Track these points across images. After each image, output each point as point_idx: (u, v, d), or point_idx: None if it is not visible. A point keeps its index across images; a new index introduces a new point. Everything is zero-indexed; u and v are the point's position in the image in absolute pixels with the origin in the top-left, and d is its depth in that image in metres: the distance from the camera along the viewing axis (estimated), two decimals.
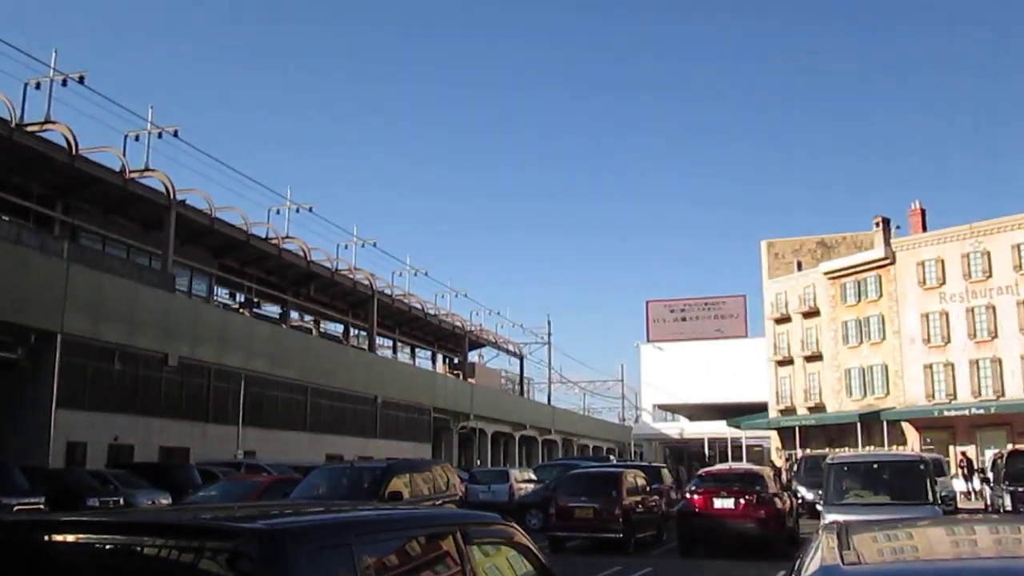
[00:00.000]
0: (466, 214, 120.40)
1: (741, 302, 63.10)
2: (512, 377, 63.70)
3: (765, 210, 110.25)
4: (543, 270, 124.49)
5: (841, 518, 7.87)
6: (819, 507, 13.07)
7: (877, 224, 42.90)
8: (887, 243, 41.70)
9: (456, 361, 52.17)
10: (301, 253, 35.51)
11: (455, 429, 44.55)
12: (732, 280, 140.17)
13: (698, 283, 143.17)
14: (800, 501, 19.43)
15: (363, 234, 49.30)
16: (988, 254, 37.37)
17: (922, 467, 12.45)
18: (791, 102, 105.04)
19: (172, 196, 27.22)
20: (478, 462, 45.35)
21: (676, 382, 60.91)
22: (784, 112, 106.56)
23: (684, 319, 62.76)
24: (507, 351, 59.28)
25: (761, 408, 50.54)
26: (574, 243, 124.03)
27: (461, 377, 48.92)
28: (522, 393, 61.53)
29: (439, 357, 52.53)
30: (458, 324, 50.24)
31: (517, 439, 53.63)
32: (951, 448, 36.55)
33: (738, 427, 51.86)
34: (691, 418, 65.44)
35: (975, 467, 30.50)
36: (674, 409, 67.42)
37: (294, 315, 39.40)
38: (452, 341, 52.05)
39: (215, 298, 33.23)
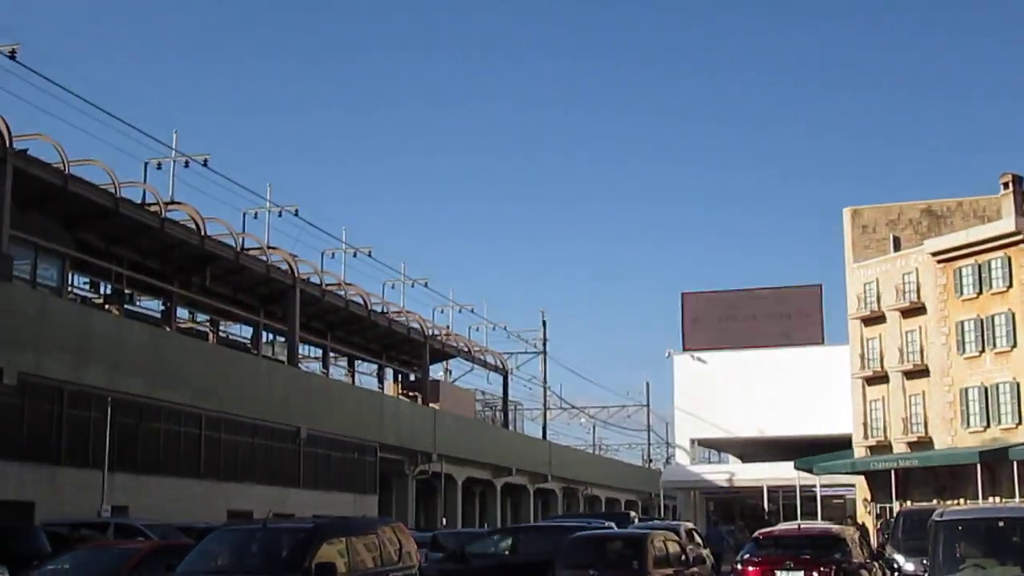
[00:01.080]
0: (429, 178, 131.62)
1: (815, 295, 63.36)
2: (492, 401, 63.62)
3: (845, 170, 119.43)
4: (537, 255, 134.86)
5: None
6: None
7: (1005, 185, 43.21)
8: (1020, 212, 41.82)
9: (413, 379, 52.72)
10: (193, 225, 34.98)
11: (411, 475, 44.71)
12: (799, 267, 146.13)
13: (752, 271, 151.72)
14: (897, 574, 19.49)
15: (281, 199, 48.63)
16: None
17: None
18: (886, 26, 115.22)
19: (7, 143, 26.62)
20: (443, 521, 45.58)
21: (723, 408, 61.02)
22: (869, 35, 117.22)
23: (734, 318, 62.59)
24: (485, 364, 59.73)
25: (842, 444, 50.77)
26: (576, 217, 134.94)
27: (420, 401, 49.43)
28: (506, 424, 61.77)
29: (389, 372, 52.70)
30: (415, 326, 50.43)
31: (499, 488, 54.40)
32: None
33: (810, 471, 51.88)
34: (744, 458, 65.52)
35: None
36: (720, 446, 67.20)
37: (183, 313, 38.99)
38: (407, 350, 52.10)
39: (70, 289, 32.73)
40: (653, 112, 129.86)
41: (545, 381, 63.49)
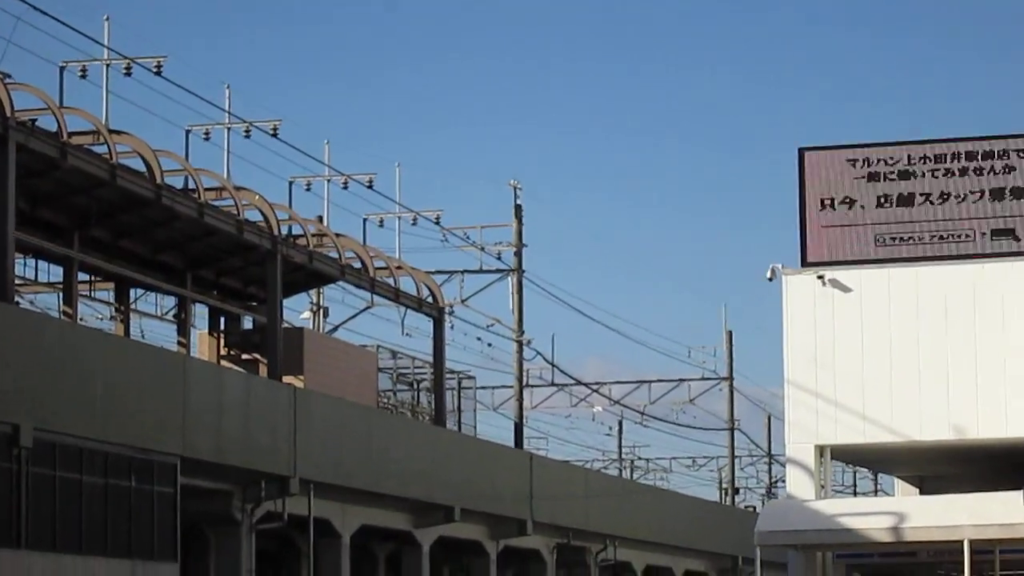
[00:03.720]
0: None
1: None
2: (413, 371, 63.54)
3: None
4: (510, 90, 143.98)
5: None
6: None
7: None
8: None
9: (252, 326, 51.87)
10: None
11: (248, 520, 42.96)
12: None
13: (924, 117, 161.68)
14: None
15: None
16: None
17: None
18: None
19: None
20: None
21: (882, 385, 52.56)
22: None
23: (905, 201, 53.57)
24: (398, 296, 57.20)
25: None
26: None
27: (264, 372, 47.85)
28: (439, 417, 59.82)
29: (196, 312, 50.80)
30: (255, 218, 47.69)
31: (426, 549, 52.11)
32: None
33: None
34: (924, 486, 61.38)
35: None
36: (875, 460, 64.27)
37: None
38: (240, 269, 50.09)
39: None
40: None
41: (520, 327, 59.23)
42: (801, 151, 53.79)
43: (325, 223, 54.40)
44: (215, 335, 50.51)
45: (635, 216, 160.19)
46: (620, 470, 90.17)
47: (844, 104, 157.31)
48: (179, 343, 49.47)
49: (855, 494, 74.31)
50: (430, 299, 57.47)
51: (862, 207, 53.95)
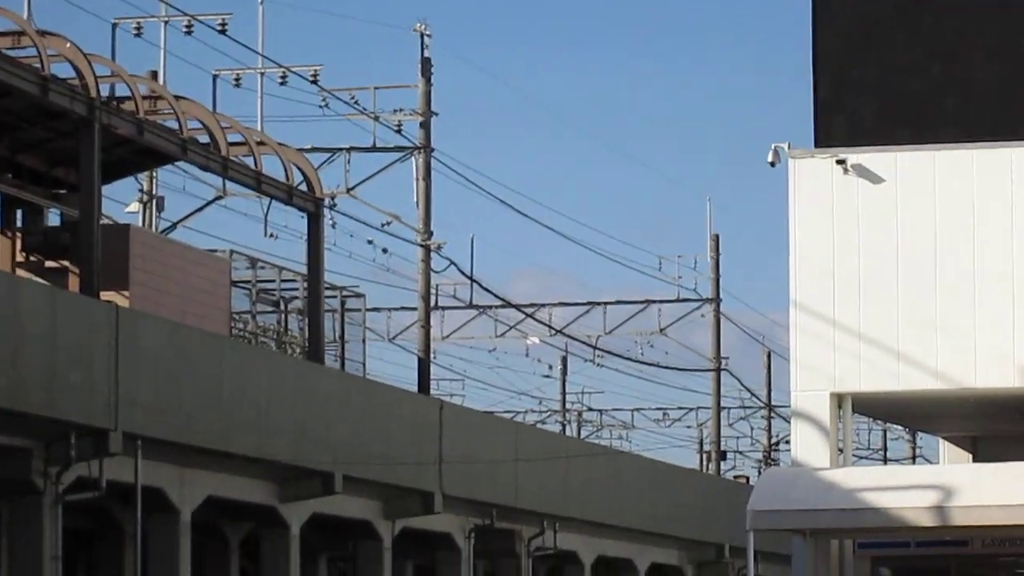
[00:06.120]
0: None
1: None
2: (277, 285, 65.45)
3: None
4: None
5: None
6: None
7: None
8: None
9: (60, 223, 53.61)
10: None
11: (51, 491, 43.34)
12: None
13: None
14: None
15: None
16: None
17: None
18: None
19: None
20: None
21: (918, 313, 51.96)
22: None
23: (948, 54, 53.13)
24: (259, 184, 56.75)
25: None
26: None
27: (76, 286, 48.51)
28: (314, 349, 59.54)
29: None
30: (67, 75, 48.05)
31: (296, 532, 53.42)
32: None
33: None
34: (980, 448, 62.49)
35: None
36: (917, 412, 63.46)
37: None
38: (39, 141, 51.33)
39: None
40: None
41: (427, 227, 60.33)
42: None
43: (161, 81, 54.83)
44: (8, 234, 49.98)
45: (586, 76, 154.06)
46: (564, 425, 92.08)
47: None
48: None
49: (885, 461, 75.99)
50: (304, 187, 56.97)
51: (897, 65, 51.88)
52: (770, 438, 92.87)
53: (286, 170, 56.80)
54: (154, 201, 62.12)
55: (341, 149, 65.79)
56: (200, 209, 63.33)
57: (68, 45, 48.96)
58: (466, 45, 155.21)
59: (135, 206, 61.38)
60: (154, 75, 57.18)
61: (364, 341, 70.66)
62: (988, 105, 54.96)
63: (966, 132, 52.87)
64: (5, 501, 43.09)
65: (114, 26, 55.49)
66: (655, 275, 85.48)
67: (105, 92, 51.39)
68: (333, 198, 64.30)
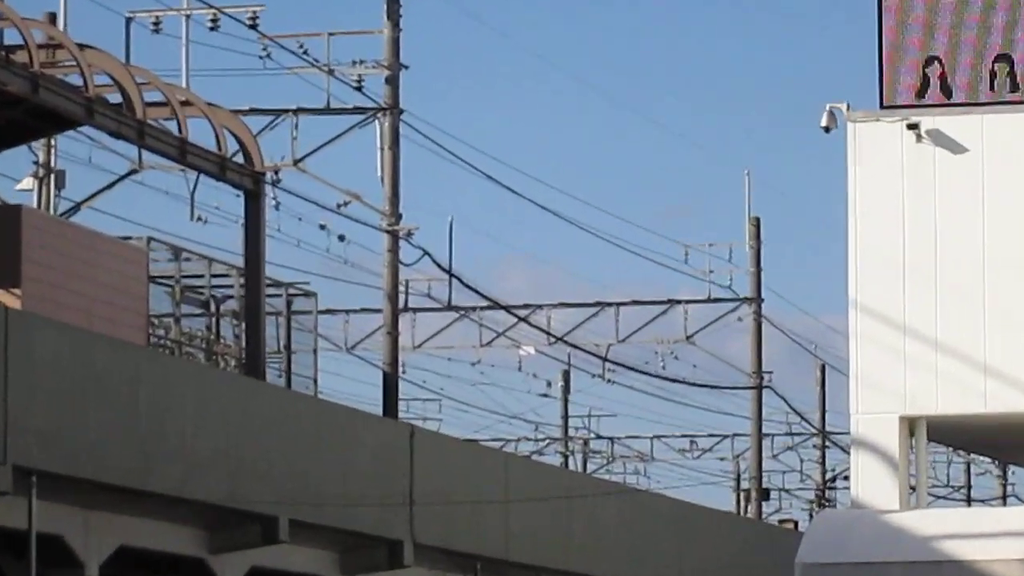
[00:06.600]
0: None
1: None
2: (207, 280, 64.28)
3: None
4: None
5: None
6: None
7: None
8: None
9: None
10: None
11: None
12: None
13: None
14: None
15: None
16: None
17: None
18: None
19: None
20: None
21: (1015, 315, 55.15)
22: None
23: None
24: (184, 156, 57.04)
25: None
26: None
27: None
28: (252, 361, 60.39)
29: None
30: None
31: None
32: None
33: None
34: None
35: None
36: (1008, 442, 65.46)
37: None
38: None
39: None
40: None
41: (394, 208, 59.79)
42: None
43: (61, 27, 53.82)
44: None
45: (592, 20, 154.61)
46: (566, 457, 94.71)
47: None
48: None
49: (968, 501, 77.02)
50: (240, 158, 55.00)
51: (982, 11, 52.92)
52: (824, 473, 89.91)
53: (218, 137, 53.65)
54: (52, 176, 59.18)
55: (287, 111, 61.23)
56: (110, 186, 60.37)
57: None
58: None
59: (28, 182, 58.64)
60: (52, 19, 54.94)
61: (316, 351, 66.79)
62: None
63: None
64: None
65: None
66: (680, 268, 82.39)
67: None
68: (277, 172, 60.76)
